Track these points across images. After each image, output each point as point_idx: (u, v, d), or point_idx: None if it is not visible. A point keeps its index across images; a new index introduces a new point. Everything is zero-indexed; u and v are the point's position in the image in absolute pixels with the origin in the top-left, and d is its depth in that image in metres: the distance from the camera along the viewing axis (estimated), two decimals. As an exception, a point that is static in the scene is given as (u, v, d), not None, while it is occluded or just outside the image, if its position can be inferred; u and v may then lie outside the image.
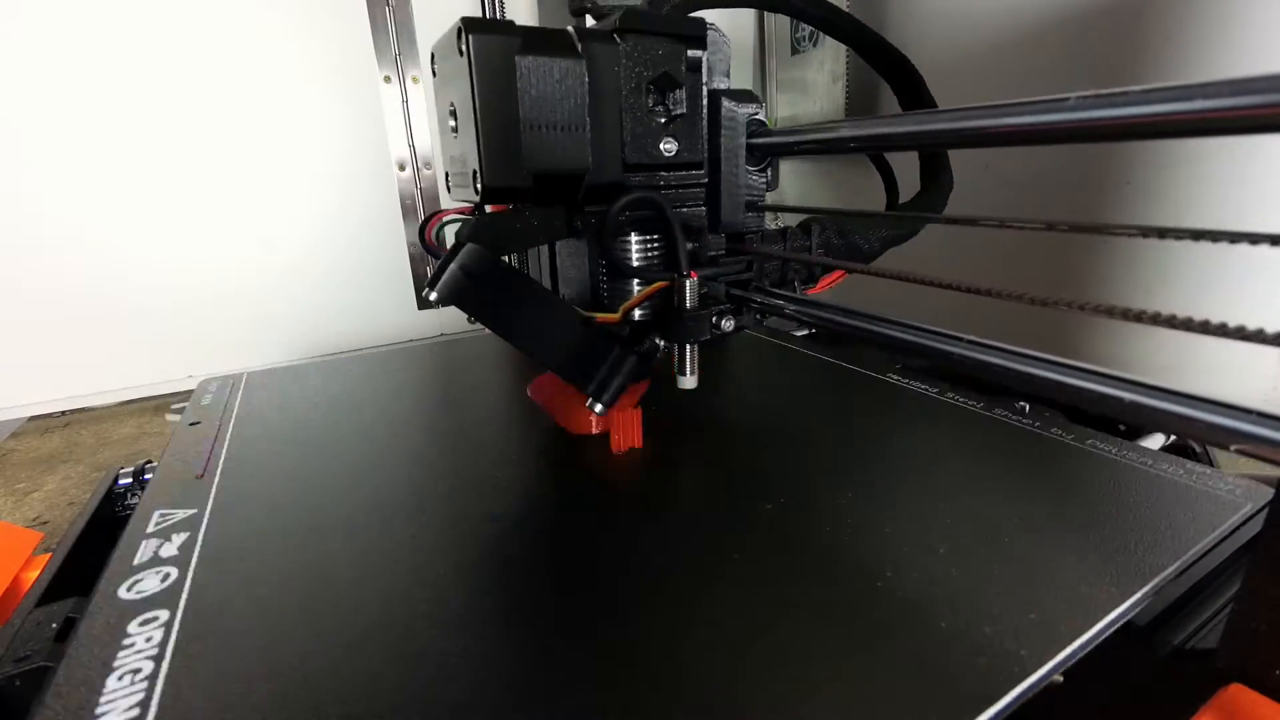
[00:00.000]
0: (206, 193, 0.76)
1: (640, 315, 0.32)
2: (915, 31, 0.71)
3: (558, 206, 0.30)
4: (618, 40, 0.28)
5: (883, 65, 0.39)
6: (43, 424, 0.75)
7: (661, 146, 0.30)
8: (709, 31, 0.30)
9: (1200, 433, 0.16)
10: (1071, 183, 0.59)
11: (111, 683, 0.18)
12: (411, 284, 0.90)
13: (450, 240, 0.28)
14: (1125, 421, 0.17)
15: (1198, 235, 0.15)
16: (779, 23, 0.92)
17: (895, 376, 0.42)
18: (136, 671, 0.18)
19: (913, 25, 0.71)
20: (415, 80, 0.82)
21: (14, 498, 0.57)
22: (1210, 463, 0.39)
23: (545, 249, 0.34)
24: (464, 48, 0.25)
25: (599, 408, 0.29)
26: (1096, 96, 0.17)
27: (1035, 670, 0.18)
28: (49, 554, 0.33)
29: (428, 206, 0.86)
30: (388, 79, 0.81)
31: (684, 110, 0.30)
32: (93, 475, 0.60)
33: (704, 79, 0.31)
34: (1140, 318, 0.16)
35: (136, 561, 0.23)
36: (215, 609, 0.21)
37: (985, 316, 0.60)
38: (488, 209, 0.30)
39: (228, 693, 0.18)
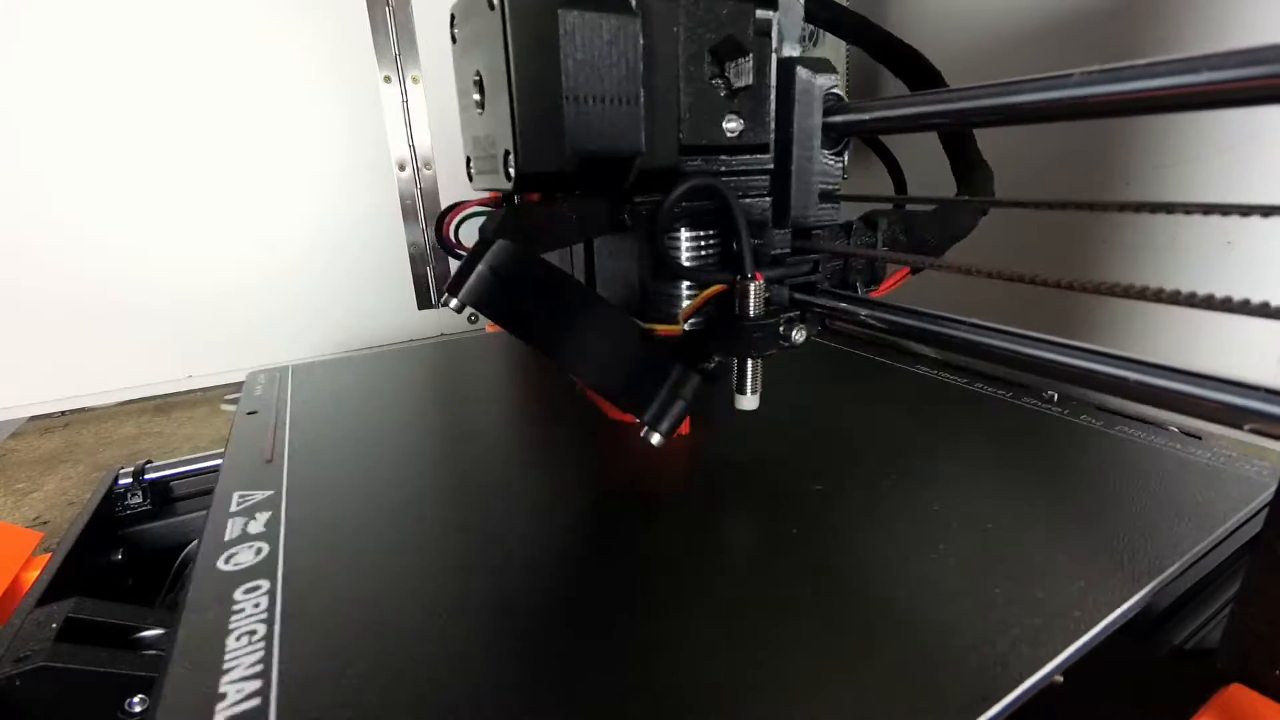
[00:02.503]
0: (207, 193, 0.76)
1: (691, 325, 0.27)
2: (915, 32, 0.71)
3: (599, 197, 0.26)
4: None
5: (895, 63, 0.38)
6: (43, 424, 0.75)
7: (724, 125, 0.26)
8: None
9: (1211, 413, 0.15)
10: (1072, 183, 0.59)
11: (230, 643, 0.19)
12: (411, 284, 0.90)
13: (473, 237, 0.24)
14: (1135, 402, 0.17)
15: (1208, 210, 0.15)
16: (779, 23, 0.92)
17: (924, 367, 0.43)
18: (252, 633, 0.20)
19: (913, 25, 0.71)
20: (415, 80, 0.82)
21: (14, 498, 0.57)
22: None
23: (580, 247, 0.30)
24: (496, 1, 0.21)
25: (656, 438, 0.24)
26: (1101, 71, 0.16)
27: (1035, 670, 0.18)
28: (49, 554, 0.33)
29: (428, 206, 0.86)
30: (388, 79, 0.81)
31: (749, 82, 0.25)
32: (93, 475, 0.60)
33: (774, 45, 0.26)
34: (1144, 294, 0.16)
35: (228, 538, 0.25)
36: (310, 577, 0.23)
37: (983, 316, 0.59)
38: (516, 199, 0.26)
39: (340, 648, 0.19)
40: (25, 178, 0.68)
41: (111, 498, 0.39)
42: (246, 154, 0.77)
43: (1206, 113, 0.49)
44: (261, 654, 0.19)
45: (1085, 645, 0.19)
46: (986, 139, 0.68)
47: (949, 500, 0.27)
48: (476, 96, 0.25)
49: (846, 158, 0.28)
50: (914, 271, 0.33)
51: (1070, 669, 0.18)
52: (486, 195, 0.32)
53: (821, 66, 0.26)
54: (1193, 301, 0.15)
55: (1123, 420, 0.33)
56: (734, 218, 0.25)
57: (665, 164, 0.25)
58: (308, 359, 0.82)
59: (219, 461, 0.44)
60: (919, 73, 0.37)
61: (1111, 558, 0.23)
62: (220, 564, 0.23)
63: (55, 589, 0.30)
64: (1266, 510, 0.18)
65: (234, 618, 0.20)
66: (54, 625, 0.28)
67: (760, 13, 0.25)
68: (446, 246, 0.35)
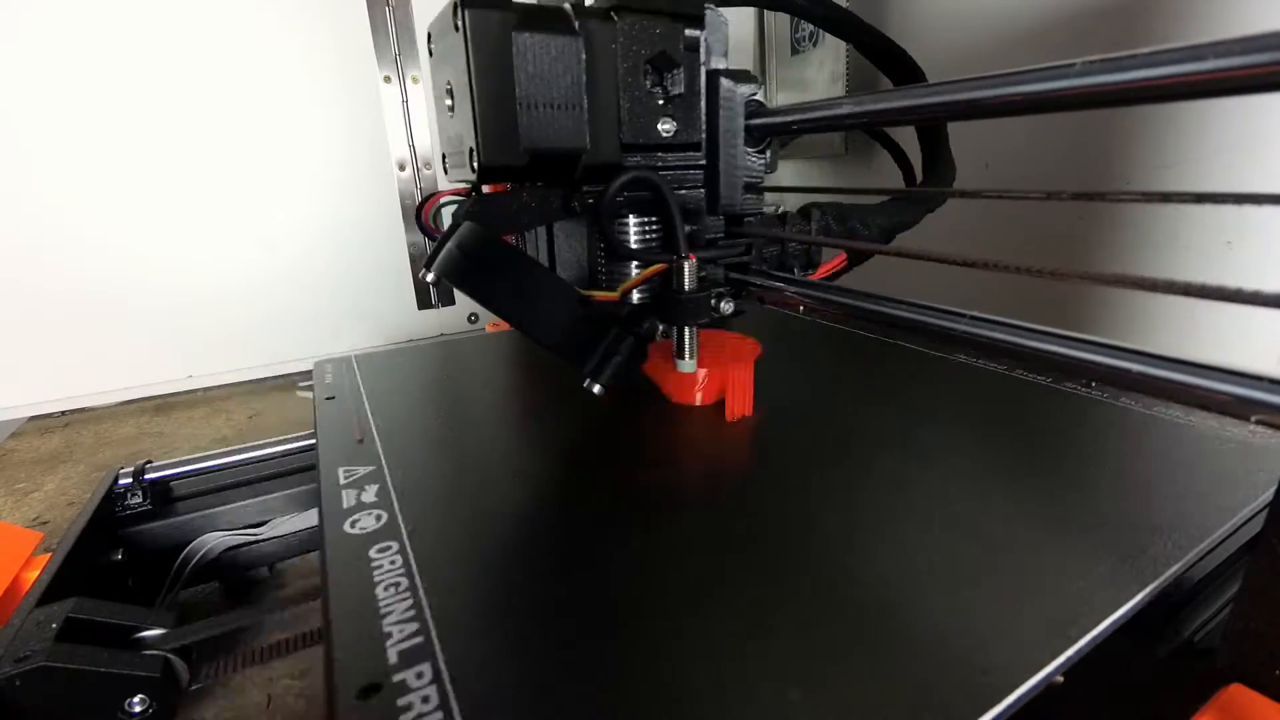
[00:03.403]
0: (207, 193, 0.76)
1: (639, 298, 0.32)
2: (916, 32, 0.71)
3: (555, 187, 0.30)
4: (614, 18, 0.28)
5: (883, 62, 0.39)
6: (43, 424, 0.74)
7: (659, 127, 0.30)
8: (707, 11, 0.30)
9: (1217, 404, 0.15)
10: (1071, 183, 0.59)
11: (380, 593, 0.21)
12: (411, 284, 0.90)
13: (447, 222, 0.28)
14: (1138, 394, 0.17)
15: (1199, 199, 0.15)
16: (779, 23, 0.92)
17: (964, 356, 0.44)
18: (397, 585, 0.22)
19: (913, 26, 0.71)
20: (415, 80, 0.82)
21: (14, 498, 0.57)
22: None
23: (543, 231, 0.34)
24: (460, 23, 0.25)
25: (596, 388, 0.29)
26: (1104, 60, 0.16)
27: (1036, 670, 0.18)
28: (49, 554, 0.33)
29: (428, 206, 0.86)
30: (388, 79, 0.81)
31: (682, 90, 0.30)
32: (93, 475, 0.60)
33: (702, 59, 0.30)
34: (1139, 284, 0.16)
35: (346, 506, 0.27)
36: (431, 537, 0.25)
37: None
38: (485, 189, 0.31)
39: (474, 593, 0.22)
40: (25, 178, 0.68)
41: (111, 498, 0.39)
42: (247, 154, 0.77)
43: (1206, 113, 0.49)
44: (411, 600, 0.21)
45: (1085, 645, 0.19)
46: (986, 139, 0.68)
47: (945, 495, 0.27)
48: (448, 102, 0.29)
49: (769, 155, 0.33)
50: (856, 261, 0.38)
51: (1070, 669, 0.18)
52: (459, 186, 0.36)
53: (743, 78, 0.31)
54: (1171, 288, 0.15)
55: (1160, 402, 0.34)
56: (667, 205, 0.30)
57: (608, 160, 0.29)
58: (307, 359, 0.82)
59: (219, 462, 0.44)
60: (902, 69, 0.38)
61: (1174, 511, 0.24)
62: (347, 528, 0.26)
63: (55, 589, 0.30)
64: (1267, 510, 0.18)
65: (376, 572, 0.23)
66: (54, 625, 0.28)
67: (689, 31, 0.29)
68: (425, 230, 0.41)
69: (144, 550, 0.39)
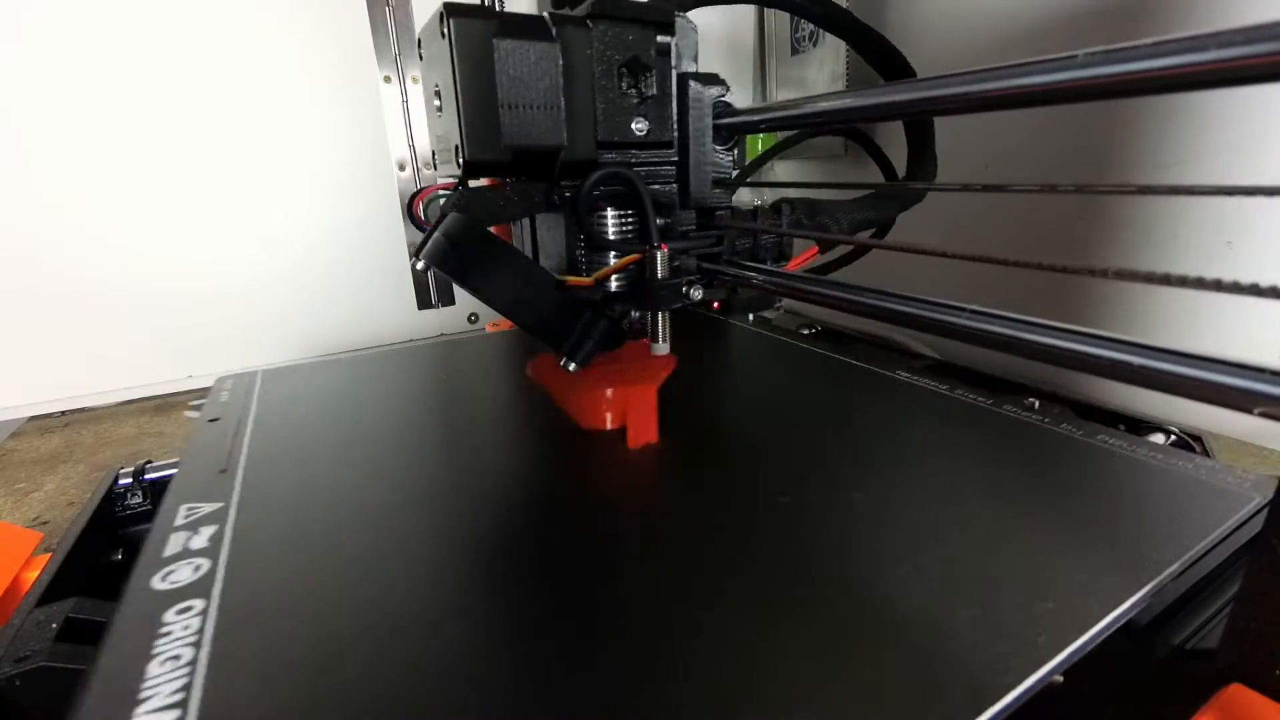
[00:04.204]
0: (207, 193, 0.76)
1: (617, 286, 0.34)
2: (915, 32, 0.71)
3: (537, 182, 0.32)
4: (589, 25, 0.30)
5: (876, 61, 0.39)
6: (43, 424, 0.74)
7: (633, 126, 0.32)
8: (677, 19, 0.32)
9: (1219, 397, 0.15)
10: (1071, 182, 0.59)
11: (153, 668, 0.18)
12: (411, 284, 0.90)
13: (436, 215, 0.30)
14: (1140, 387, 0.17)
15: (1205, 190, 0.15)
16: (779, 23, 0.92)
17: (904, 374, 0.42)
18: (176, 658, 0.19)
19: (913, 25, 0.71)
20: (415, 80, 0.82)
21: (14, 498, 0.57)
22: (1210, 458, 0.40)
23: (527, 223, 0.36)
24: (446, 31, 0.27)
25: (572, 366, 0.31)
26: (1106, 52, 0.16)
27: (1035, 670, 0.18)
28: (49, 554, 0.33)
29: (428, 206, 0.86)
30: (388, 79, 0.81)
31: (654, 92, 0.32)
32: (93, 475, 0.60)
33: (673, 63, 0.32)
34: (1134, 277, 0.16)
35: (167, 554, 0.24)
36: (248, 597, 0.21)
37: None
38: (471, 184, 0.32)
39: (267, 675, 0.18)
40: (25, 178, 0.68)
41: (111, 498, 0.39)
42: (247, 154, 0.77)
43: (1206, 114, 0.49)
44: (184, 682, 0.18)
45: (1085, 645, 0.19)
46: (986, 139, 0.68)
47: (941, 504, 0.27)
48: (437, 103, 0.31)
49: (736, 153, 0.35)
50: (823, 250, 0.39)
51: (1070, 669, 0.18)
52: (449, 181, 0.38)
53: (711, 80, 0.33)
54: (1168, 281, 0.15)
55: (1104, 430, 0.33)
56: (640, 198, 0.32)
57: (585, 157, 0.31)
58: (307, 360, 0.82)
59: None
60: (891, 68, 0.38)
61: (1118, 554, 0.23)
62: (155, 583, 0.22)
63: (55, 589, 0.30)
64: (1267, 510, 0.18)
65: (159, 641, 0.19)
66: (54, 625, 0.27)
67: (660, 37, 0.31)
68: (417, 223, 0.42)
69: (144, 550, 0.38)
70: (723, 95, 0.33)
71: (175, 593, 0.22)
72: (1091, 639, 0.19)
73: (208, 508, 0.27)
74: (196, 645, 0.19)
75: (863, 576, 0.22)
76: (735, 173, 0.36)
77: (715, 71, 0.34)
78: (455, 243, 0.28)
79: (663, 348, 0.34)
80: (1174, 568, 0.22)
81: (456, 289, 0.93)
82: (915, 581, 0.22)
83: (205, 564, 0.23)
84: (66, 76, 0.67)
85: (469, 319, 0.94)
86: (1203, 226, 0.50)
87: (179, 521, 0.26)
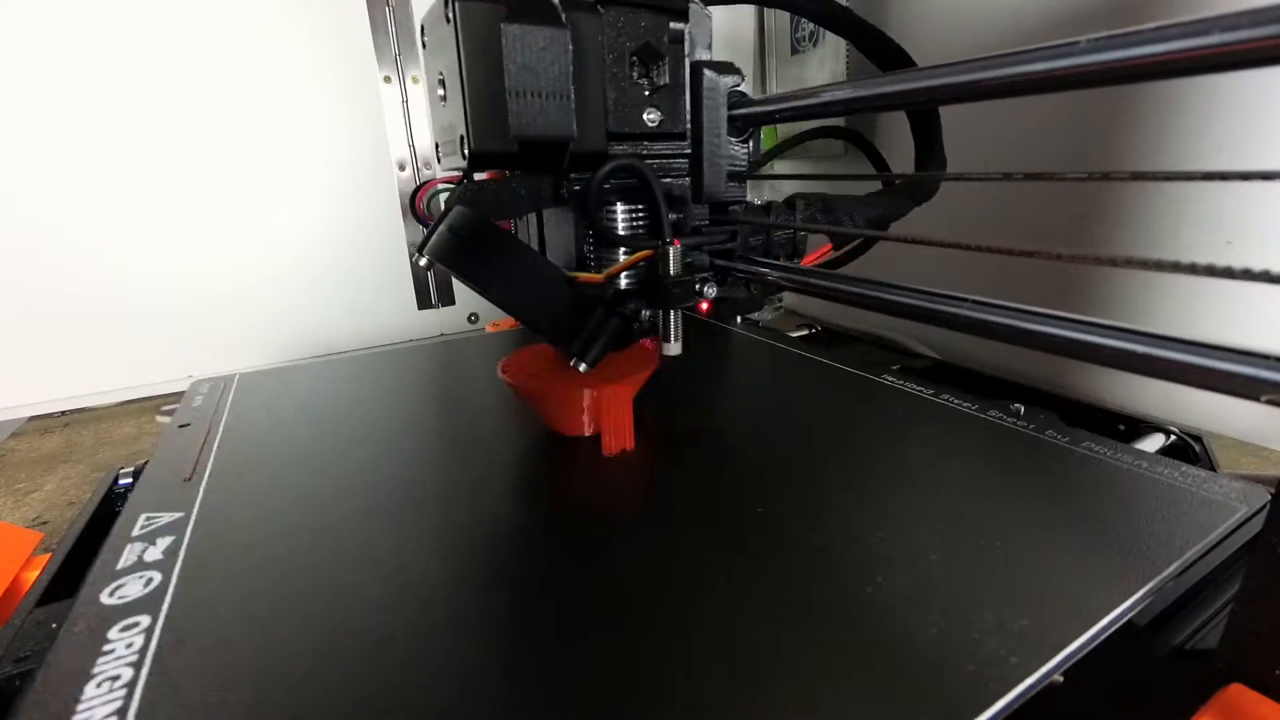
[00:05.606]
0: (206, 193, 0.76)
1: (626, 284, 0.32)
2: (915, 31, 0.71)
3: (544, 175, 0.30)
4: (600, 10, 0.28)
5: (880, 58, 0.39)
6: (43, 424, 0.74)
7: (645, 116, 0.31)
8: (691, 4, 0.31)
9: (1225, 385, 0.15)
10: (1070, 184, 0.59)
11: (90, 689, 0.17)
12: (411, 284, 0.89)
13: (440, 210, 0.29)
14: (1144, 376, 0.16)
15: (1208, 176, 0.15)
16: (779, 23, 0.92)
17: (890, 378, 0.41)
18: (115, 678, 0.18)
19: (913, 26, 0.71)
20: (415, 80, 0.82)
21: (14, 498, 0.57)
22: (1211, 465, 0.39)
23: (534, 218, 0.34)
24: (451, 15, 0.26)
25: (583, 366, 0.30)
26: (1110, 37, 0.16)
27: (1035, 670, 0.18)
28: (49, 554, 0.33)
29: (428, 206, 0.86)
30: (388, 79, 0.81)
31: (667, 81, 0.31)
32: (93, 475, 0.60)
33: (686, 50, 0.31)
34: (1145, 265, 0.16)
35: (120, 566, 0.23)
36: (197, 614, 0.21)
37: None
38: (476, 177, 0.31)
39: (207, 699, 0.17)
40: (25, 178, 0.68)
41: (111, 498, 0.39)
42: (246, 154, 0.77)
43: (1208, 112, 0.49)
44: (120, 703, 0.17)
45: (1085, 645, 0.19)
46: (986, 140, 0.68)
47: (946, 504, 0.27)
48: (440, 92, 0.30)
49: (752, 145, 0.34)
50: (850, 255, 0.38)
51: (1070, 669, 0.18)
52: (452, 175, 0.36)
53: (726, 69, 0.32)
54: (1177, 267, 0.15)
55: (1090, 437, 0.32)
56: (652, 191, 0.30)
57: (595, 148, 0.30)
58: (303, 360, 0.82)
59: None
60: (889, 57, 0.38)
61: (1105, 563, 0.22)
62: (104, 597, 0.21)
63: (55, 589, 0.30)
64: (1266, 510, 0.18)
65: (101, 660, 0.18)
66: (54, 625, 0.27)
67: (673, 24, 0.30)
68: (419, 218, 0.41)
69: (143, 550, 0.38)
70: (738, 84, 0.32)
71: (123, 608, 0.21)
72: (1091, 639, 0.19)
73: (167, 517, 0.26)
74: (137, 666, 0.18)
75: (850, 584, 0.22)
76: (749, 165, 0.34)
77: (716, 70, 0.33)
78: (461, 237, 0.27)
79: (674, 348, 0.33)
80: (1168, 571, 0.22)
81: (457, 288, 0.92)
82: (908, 588, 0.22)
83: (157, 578, 0.22)
84: (65, 76, 0.67)
85: (469, 319, 0.94)
86: (1204, 225, 0.50)
87: (136, 532, 0.25)
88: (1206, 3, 0.48)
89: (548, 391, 0.34)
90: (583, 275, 0.31)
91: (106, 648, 0.19)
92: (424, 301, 0.91)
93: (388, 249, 0.87)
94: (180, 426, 0.37)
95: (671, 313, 0.32)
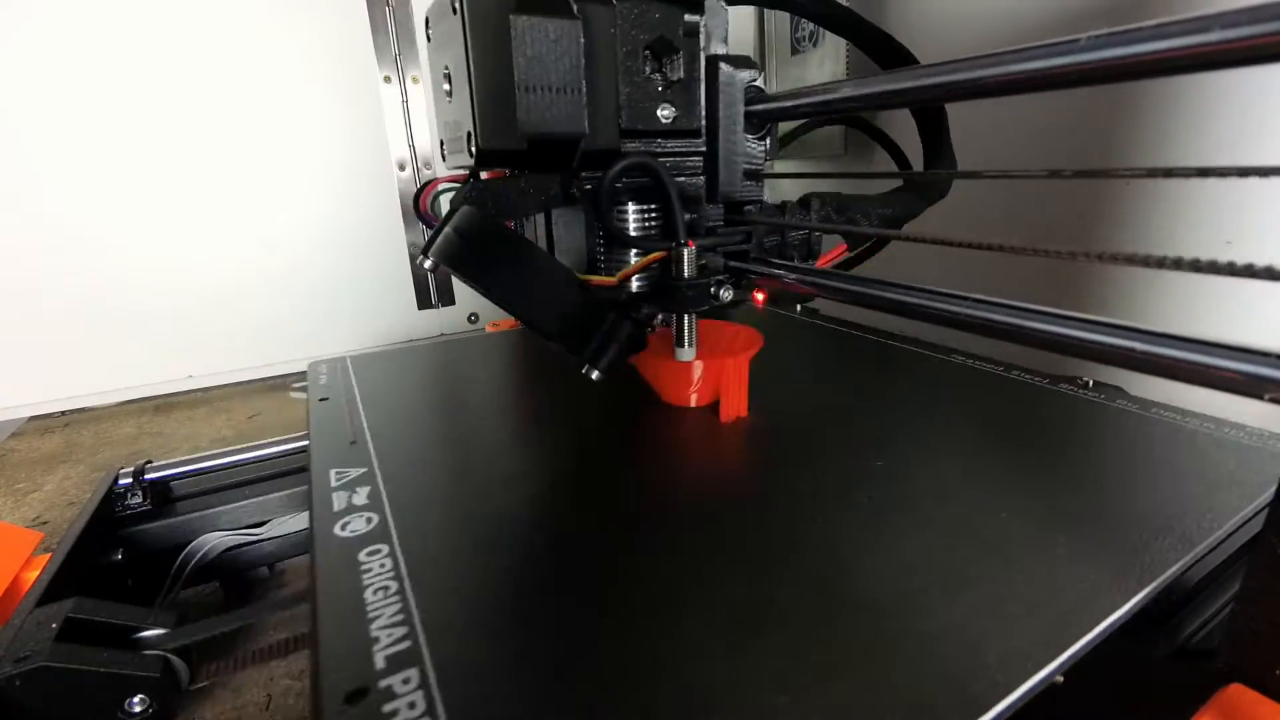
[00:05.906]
0: (207, 193, 0.76)
1: (638, 286, 0.31)
2: (915, 31, 0.71)
3: (553, 173, 0.29)
4: (613, 2, 0.27)
5: (883, 58, 0.39)
6: (43, 424, 0.74)
7: (659, 113, 0.30)
8: None
9: (1227, 382, 0.15)
10: (1070, 183, 0.59)
11: (369, 596, 0.21)
12: (412, 284, 0.90)
13: (445, 210, 0.28)
14: (1144, 374, 0.16)
15: (1204, 172, 0.15)
16: (779, 23, 0.92)
17: (959, 357, 0.43)
18: (386, 588, 0.22)
19: (913, 26, 0.71)
20: (415, 80, 0.82)
21: (14, 498, 0.57)
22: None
23: (541, 218, 0.33)
24: (458, 6, 0.25)
25: (594, 374, 0.29)
26: (1110, 35, 0.16)
27: (1036, 670, 0.18)
28: (49, 554, 0.33)
29: (428, 206, 0.86)
30: (388, 79, 0.81)
31: (681, 76, 0.29)
32: (93, 475, 0.60)
33: (701, 44, 0.30)
34: (1147, 262, 0.16)
35: (337, 509, 0.27)
36: (422, 541, 0.25)
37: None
38: (483, 175, 0.30)
39: (463, 598, 0.22)
40: (25, 178, 0.68)
41: (111, 498, 0.39)
42: (247, 154, 0.77)
43: (1208, 111, 0.48)
44: (399, 605, 0.21)
45: (1085, 645, 0.19)
46: (987, 139, 0.68)
47: (949, 492, 0.27)
48: (446, 87, 0.29)
49: (769, 143, 0.33)
50: (861, 255, 0.38)
51: (1070, 669, 0.18)
52: (457, 173, 0.36)
53: (743, 63, 0.30)
54: (1180, 265, 0.15)
55: (1158, 406, 0.34)
56: (666, 191, 0.29)
57: (607, 146, 0.29)
58: (307, 359, 0.82)
59: (219, 462, 0.44)
60: (891, 57, 0.38)
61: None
62: (337, 531, 0.25)
63: (55, 589, 0.30)
64: (1267, 510, 0.18)
65: (365, 576, 0.23)
66: (54, 625, 0.28)
67: (688, 17, 0.29)
68: (423, 218, 0.40)
69: (144, 550, 0.39)
70: (755, 79, 0.30)
71: (359, 539, 0.25)
72: (1092, 639, 0.19)
73: (354, 472, 0.30)
74: (396, 578, 0.22)
75: (868, 567, 0.22)
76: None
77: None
78: (468, 239, 0.25)
79: (688, 353, 0.32)
80: (1169, 571, 0.22)
81: (458, 288, 0.92)
82: (919, 578, 0.22)
83: (375, 517, 0.26)
84: (66, 77, 0.67)
85: (469, 319, 0.94)
86: (1202, 226, 0.50)
87: (334, 483, 0.29)
88: (1206, 2, 0.48)
89: (664, 365, 0.35)
90: (596, 279, 0.31)
91: (364, 568, 0.23)
92: (424, 301, 0.91)
93: (388, 249, 0.87)
94: (320, 400, 0.40)
95: (685, 316, 0.31)
